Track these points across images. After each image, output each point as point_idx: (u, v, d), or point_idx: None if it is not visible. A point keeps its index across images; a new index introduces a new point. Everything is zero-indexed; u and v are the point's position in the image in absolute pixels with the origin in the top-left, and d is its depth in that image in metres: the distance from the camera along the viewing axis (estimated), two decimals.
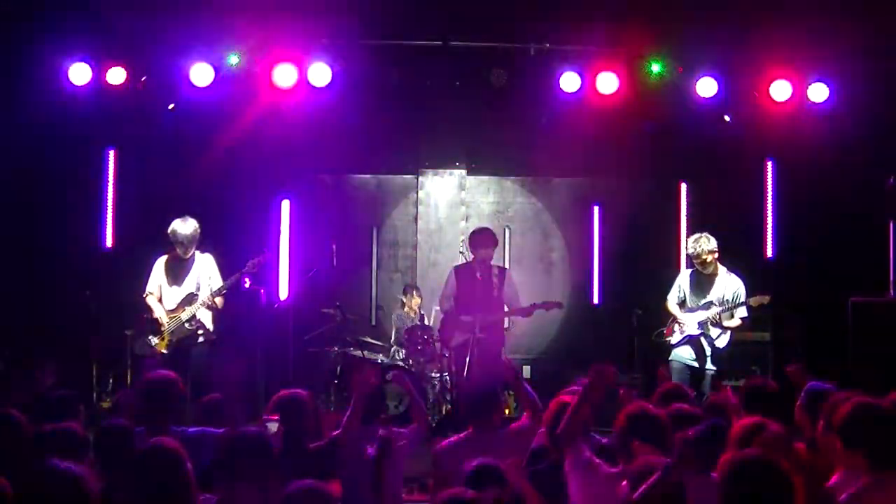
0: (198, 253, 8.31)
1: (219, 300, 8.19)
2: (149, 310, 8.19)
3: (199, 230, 8.26)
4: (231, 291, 8.26)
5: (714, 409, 5.28)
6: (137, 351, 8.36)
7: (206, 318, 8.22)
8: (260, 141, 10.11)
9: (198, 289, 8.18)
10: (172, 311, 8.16)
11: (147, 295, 8.24)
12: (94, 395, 9.37)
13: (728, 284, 8.15)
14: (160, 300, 8.22)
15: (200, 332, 8.17)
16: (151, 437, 4.67)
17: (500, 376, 6.15)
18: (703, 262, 8.16)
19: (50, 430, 4.38)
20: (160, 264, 8.29)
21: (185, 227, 8.17)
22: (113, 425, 4.71)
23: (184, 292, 8.19)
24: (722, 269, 8.22)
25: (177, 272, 8.24)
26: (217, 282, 8.23)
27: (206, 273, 8.23)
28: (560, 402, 4.86)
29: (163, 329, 8.10)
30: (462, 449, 5.13)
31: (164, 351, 8.09)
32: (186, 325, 8.12)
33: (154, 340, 8.10)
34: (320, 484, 3.74)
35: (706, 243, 8.11)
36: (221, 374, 6.73)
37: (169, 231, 8.19)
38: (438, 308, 8.80)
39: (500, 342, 8.61)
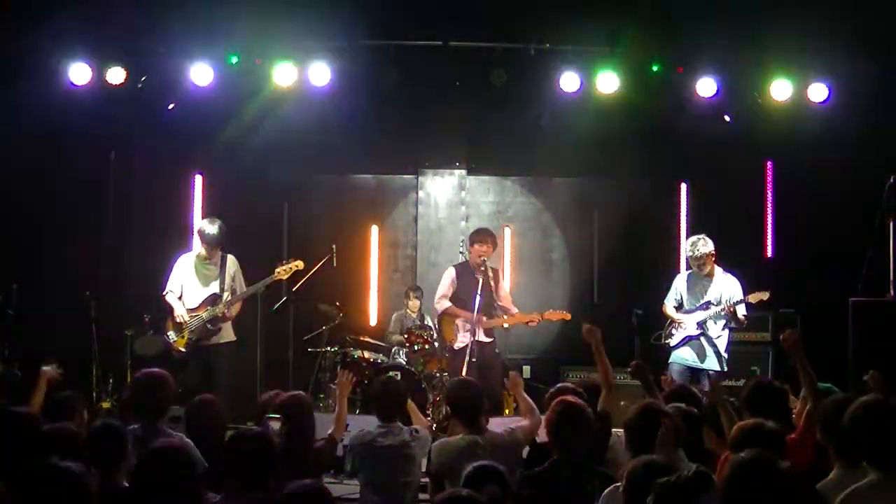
0: (221, 254, 8.25)
1: (235, 307, 8.16)
2: (169, 308, 8.13)
3: (224, 230, 8.18)
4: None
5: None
6: (138, 350, 8.34)
7: (227, 324, 8.19)
8: (260, 140, 10.11)
9: (222, 290, 8.14)
10: (194, 309, 8.10)
11: (167, 293, 8.17)
12: (94, 395, 9.36)
13: (725, 285, 8.15)
14: (180, 298, 8.15)
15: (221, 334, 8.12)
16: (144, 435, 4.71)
17: (496, 378, 6.16)
18: (701, 265, 8.16)
19: (47, 429, 4.38)
20: (184, 263, 8.23)
21: (211, 227, 8.13)
22: (106, 424, 4.71)
23: (208, 292, 8.14)
24: (718, 270, 8.21)
25: (203, 272, 8.18)
26: (240, 285, 8.21)
27: (229, 274, 8.19)
28: (562, 401, 4.84)
29: (184, 327, 8.07)
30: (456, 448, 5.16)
31: (183, 349, 8.03)
32: (208, 325, 8.05)
33: (173, 336, 8.05)
34: (319, 483, 3.76)
35: (704, 246, 8.10)
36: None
37: (196, 231, 8.19)
38: (437, 306, 8.81)
39: (495, 343, 8.70)
